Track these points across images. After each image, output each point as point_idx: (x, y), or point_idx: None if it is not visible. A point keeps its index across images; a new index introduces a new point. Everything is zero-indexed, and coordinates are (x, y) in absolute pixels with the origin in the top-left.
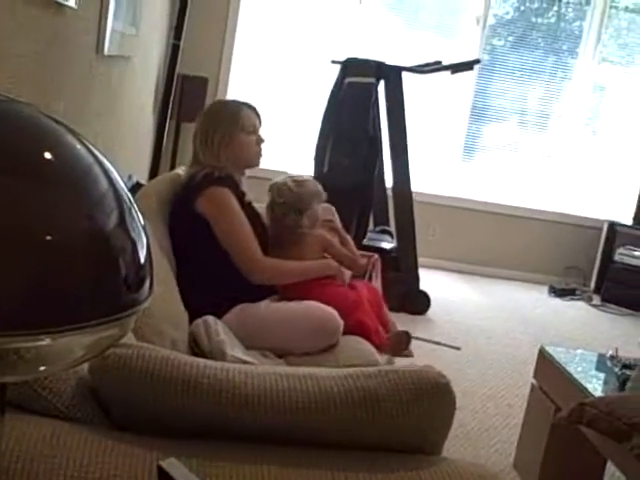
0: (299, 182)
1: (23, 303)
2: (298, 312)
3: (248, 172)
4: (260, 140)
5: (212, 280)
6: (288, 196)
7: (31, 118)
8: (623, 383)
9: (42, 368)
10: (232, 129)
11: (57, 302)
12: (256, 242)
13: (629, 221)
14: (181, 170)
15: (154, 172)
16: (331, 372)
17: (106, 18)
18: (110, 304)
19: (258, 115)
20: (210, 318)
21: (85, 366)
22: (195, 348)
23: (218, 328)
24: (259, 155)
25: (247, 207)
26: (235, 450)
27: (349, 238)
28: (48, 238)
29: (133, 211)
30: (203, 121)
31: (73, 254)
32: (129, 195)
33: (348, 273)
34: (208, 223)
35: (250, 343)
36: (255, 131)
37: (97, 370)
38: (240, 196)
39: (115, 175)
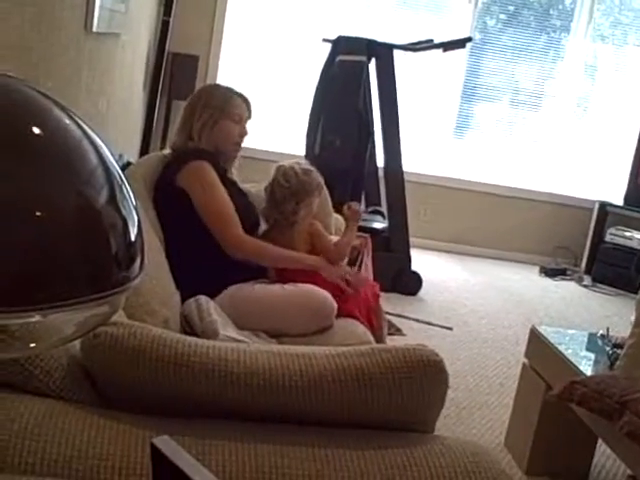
0: (306, 170)
1: (12, 280)
2: (292, 294)
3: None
4: (243, 132)
5: (200, 259)
6: (293, 182)
7: (18, 92)
8: (614, 362)
9: (32, 345)
10: (219, 113)
11: (46, 279)
12: (236, 217)
13: (620, 201)
14: (167, 151)
15: (144, 151)
16: (324, 351)
17: None
18: (100, 281)
19: (249, 107)
20: (202, 298)
21: (77, 345)
22: (187, 328)
23: (210, 308)
24: (237, 147)
25: (230, 185)
26: (228, 428)
27: (354, 229)
28: (37, 214)
29: (124, 188)
30: (193, 100)
31: (62, 230)
32: (120, 172)
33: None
34: (190, 198)
35: (243, 324)
36: (240, 121)
37: (89, 349)
38: (221, 173)
39: (105, 151)
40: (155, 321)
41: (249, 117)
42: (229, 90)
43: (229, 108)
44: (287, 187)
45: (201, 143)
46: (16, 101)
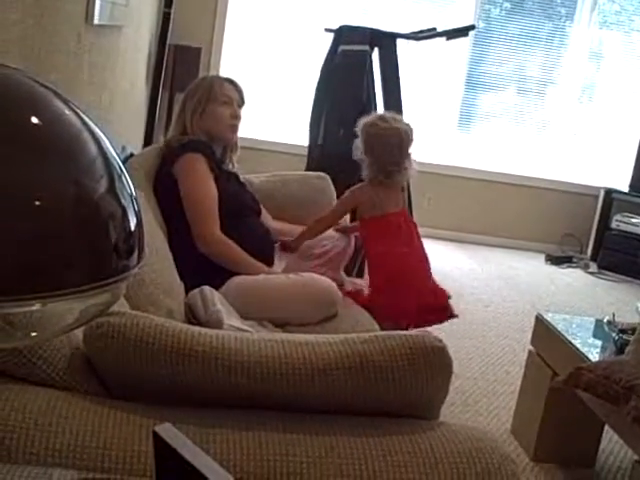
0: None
1: (12, 269)
2: (297, 283)
3: (241, 143)
4: (235, 114)
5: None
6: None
7: (18, 82)
8: (620, 348)
9: (33, 334)
10: (205, 99)
11: (46, 267)
12: (216, 214)
13: (626, 188)
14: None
15: (148, 143)
16: (327, 338)
17: None
18: (100, 270)
19: (239, 90)
20: (206, 288)
21: (79, 335)
22: (191, 318)
23: (214, 298)
24: (232, 130)
25: (227, 175)
26: (231, 417)
27: None
28: (36, 203)
29: (123, 178)
30: (184, 94)
31: (62, 219)
32: (119, 162)
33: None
34: None
35: (247, 314)
36: (229, 103)
37: (91, 339)
38: (216, 165)
39: (105, 141)
40: (159, 311)
41: (242, 102)
42: (215, 77)
43: (215, 91)
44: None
45: (195, 133)
46: (15, 91)
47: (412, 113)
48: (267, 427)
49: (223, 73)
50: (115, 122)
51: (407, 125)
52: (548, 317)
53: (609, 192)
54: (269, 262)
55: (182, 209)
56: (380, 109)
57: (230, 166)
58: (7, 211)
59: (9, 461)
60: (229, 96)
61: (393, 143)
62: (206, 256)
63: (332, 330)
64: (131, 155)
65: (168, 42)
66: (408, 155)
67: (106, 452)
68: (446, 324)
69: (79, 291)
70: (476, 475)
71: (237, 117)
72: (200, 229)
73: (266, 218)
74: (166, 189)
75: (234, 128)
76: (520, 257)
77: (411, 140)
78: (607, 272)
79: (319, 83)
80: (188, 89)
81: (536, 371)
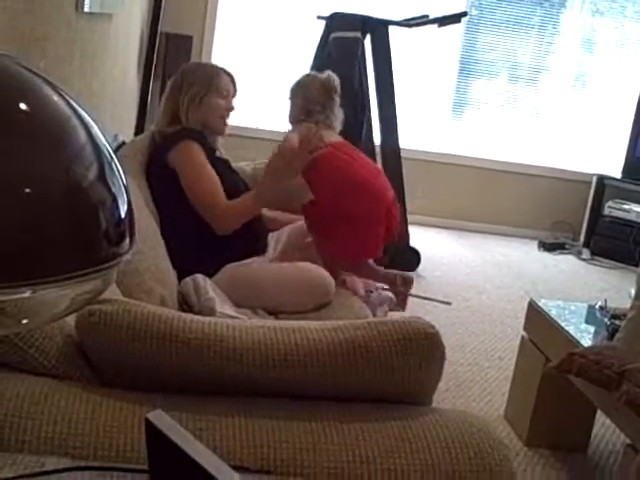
0: None
1: (2, 256)
2: (289, 271)
3: (230, 130)
4: (230, 107)
5: (196, 238)
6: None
7: (7, 68)
8: (612, 333)
9: (24, 321)
10: (205, 90)
11: (36, 254)
12: (223, 195)
13: (618, 174)
14: (154, 129)
15: (139, 131)
16: (320, 325)
17: None
18: (90, 256)
19: (234, 83)
20: (199, 276)
21: (72, 323)
22: (184, 306)
23: (207, 286)
24: (224, 122)
25: (220, 163)
26: (224, 404)
27: None
28: (26, 191)
29: (114, 165)
30: (177, 81)
31: (51, 206)
32: (109, 149)
33: None
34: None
35: (241, 302)
36: (227, 96)
37: (83, 327)
38: (210, 152)
39: (94, 128)
40: (152, 300)
41: (235, 93)
42: (214, 67)
43: (216, 84)
44: None
45: (188, 122)
46: (4, 77)
47: (405, 100)
48: (259, 414)
49: (215, 61)
50: (106, 110)
51: (329, 76)
52: (541, 303)
53: (602, 179)
54: (262, 249)
55: (176, 196)
56: (372, 96)
57: (218, 152)
58: None
59: (1, 449)
60: (227, 90)
61: (315, 87)
62: (194, 242)
63: (326, 318)
64: (123, 143)
65: (159, 30)
66: (333, 100)
67: (99, 440)
68: (439, 311)
69: (70, 277)
70: (469, 460)
71: (232, 109)
72: (215, 213)
73: None
74: (160, 176)
75: (225, 120)
76: (513, 244)
77: (332, 87)
78: (600, 258)
79: (311, 70)
80: (182, 77)
81: (529, 357)
